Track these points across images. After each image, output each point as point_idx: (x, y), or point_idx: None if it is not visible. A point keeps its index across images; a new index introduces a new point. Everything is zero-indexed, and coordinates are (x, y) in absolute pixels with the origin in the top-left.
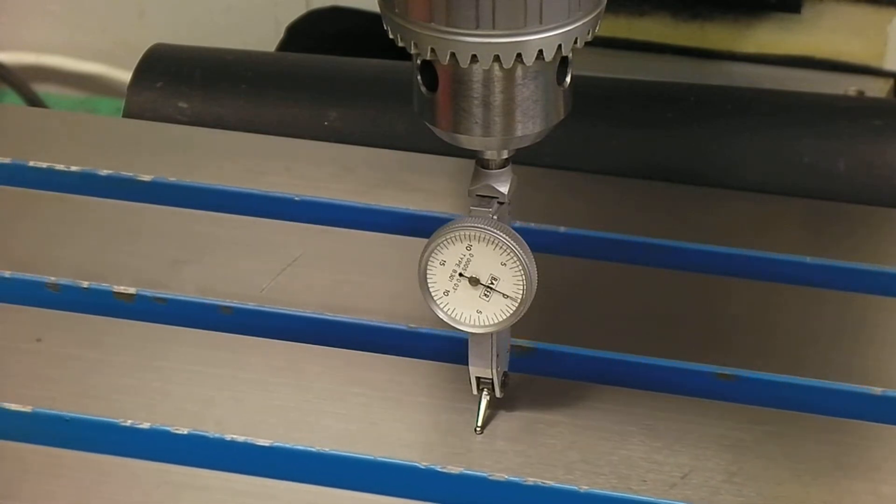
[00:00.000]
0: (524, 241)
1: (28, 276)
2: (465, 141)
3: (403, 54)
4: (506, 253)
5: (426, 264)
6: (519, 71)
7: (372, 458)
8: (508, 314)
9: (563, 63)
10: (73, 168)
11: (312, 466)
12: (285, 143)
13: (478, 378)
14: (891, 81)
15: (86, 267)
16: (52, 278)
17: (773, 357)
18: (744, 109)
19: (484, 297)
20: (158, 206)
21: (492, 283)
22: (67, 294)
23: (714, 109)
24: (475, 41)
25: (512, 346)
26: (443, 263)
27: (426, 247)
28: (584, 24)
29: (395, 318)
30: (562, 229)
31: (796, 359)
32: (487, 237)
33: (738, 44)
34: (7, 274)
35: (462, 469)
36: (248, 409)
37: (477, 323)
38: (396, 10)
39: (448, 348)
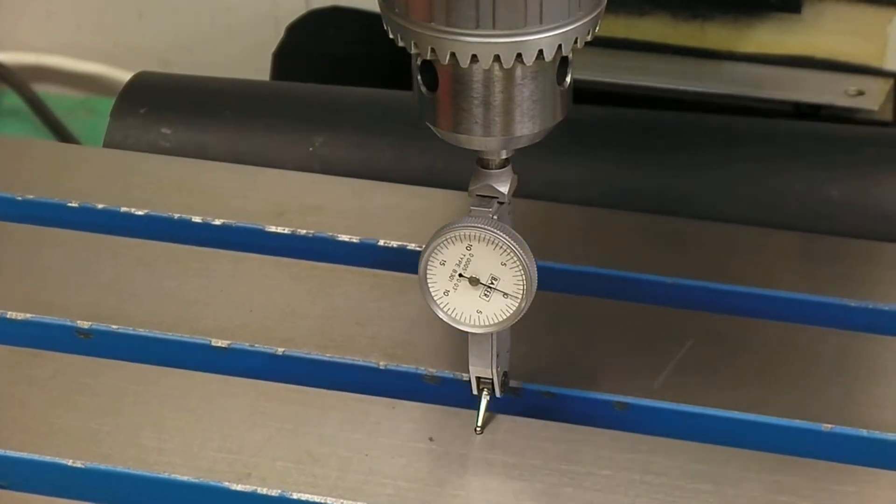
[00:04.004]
0: (524, 241)
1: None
2: (465, 141)
3: (404, 54)
4: (506, 253)
5: (426, 264)
6: (519, 71)
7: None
8: (509, 314)
9: (563, 63)
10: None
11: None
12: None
13: (478, 378)
14: (891, 81)
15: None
16: (432, 370)
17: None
18: (736, 140)
19: (484, 297)
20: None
21: (492, 283)
22: (450, 387)
23: (706, 139)
24: (475, 41)
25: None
26: (443, 263)
27: (426, 247)
28: (584, 24)
29: None
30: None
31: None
32: (487, 237)
33: (738, 44)
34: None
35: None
36: None
37: (477, 323)
38: (396, 10)
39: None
